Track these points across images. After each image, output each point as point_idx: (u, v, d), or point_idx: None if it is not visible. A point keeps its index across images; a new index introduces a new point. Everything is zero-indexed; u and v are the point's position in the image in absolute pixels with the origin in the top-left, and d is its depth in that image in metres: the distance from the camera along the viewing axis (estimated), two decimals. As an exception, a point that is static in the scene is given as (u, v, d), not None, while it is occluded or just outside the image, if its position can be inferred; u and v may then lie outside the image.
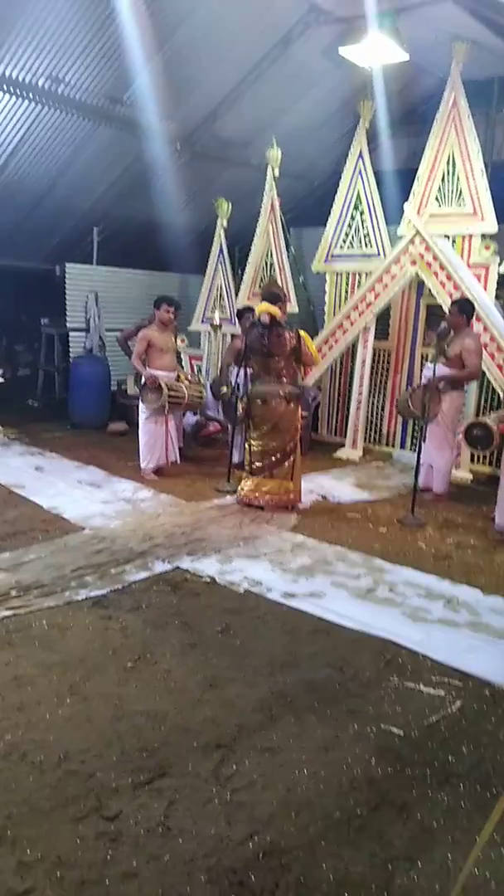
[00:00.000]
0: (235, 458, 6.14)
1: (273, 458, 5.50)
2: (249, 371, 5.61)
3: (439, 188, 6.95)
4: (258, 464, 5.53)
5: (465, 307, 5.90)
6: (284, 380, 5.50)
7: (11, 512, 5.10)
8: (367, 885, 2.02)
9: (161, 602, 3.77)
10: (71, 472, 6.29)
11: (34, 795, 2.29)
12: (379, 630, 3.54)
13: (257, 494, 5.49)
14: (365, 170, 7.75)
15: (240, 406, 5.77)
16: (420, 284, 7.35)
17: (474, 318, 6.11)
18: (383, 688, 3.06)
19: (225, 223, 8.43)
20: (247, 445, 5.62)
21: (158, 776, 2.42)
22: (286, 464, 5.49)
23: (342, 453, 7.62)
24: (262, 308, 5.38)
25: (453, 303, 6.05)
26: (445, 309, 6.31)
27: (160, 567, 4.20)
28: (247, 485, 5.55)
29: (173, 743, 2.60)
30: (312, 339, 7.81)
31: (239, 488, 5.62)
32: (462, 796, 2.41)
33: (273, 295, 5.57)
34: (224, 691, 2.96)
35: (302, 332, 5.55)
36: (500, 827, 2.25)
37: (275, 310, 5.36)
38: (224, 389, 6.39)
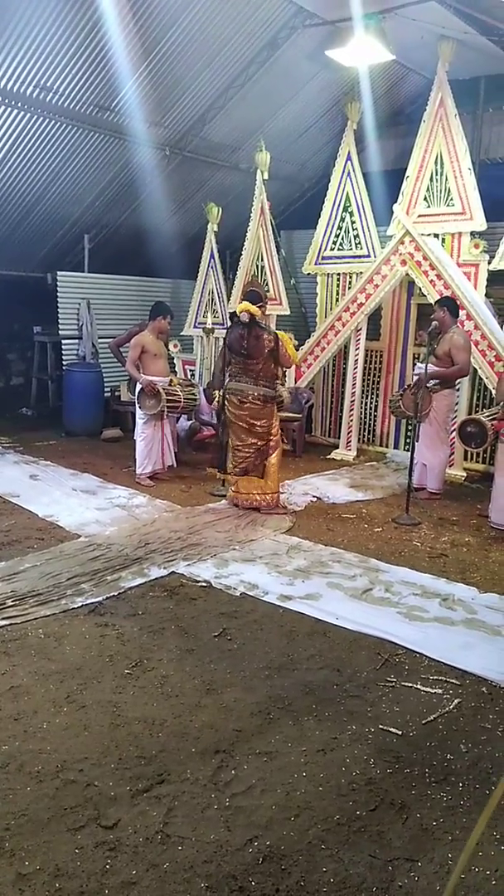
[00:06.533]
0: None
1: (249, 458, 5.49)
2: (229, 370, 5.55)
3: (428, 188, 6.97)
4: (236, 462, 5.54)
5: (446, 304, 5.93)
6: (261, 382, 5.44)
7: (6, 521, 5.09)
8: (368, 887, 2.02)
9: (157, 608, 3.77)
10: (66, 479, 6.28)
11: (32, 806, 2.28)
12: (376, 630, 3.55)
13: (244, 495, 5.50)
14: (354, 171, 7.77)
15: (216, 398, 5.74)
16: (410, 284, 7.37)
17: (465, 315, 6.13)
18: (381, 688, 3.06)
19: (215, 227, 8.44)
20: (230, 444, 5.62)
21: (157, 783, 2.41)
22: (262, 464, 5.47)
23: (336, 454, 7.62)
24: (242, 307, 5.30)
25: (436, 302, 6.09)
26: (435, 308, 6.34)
27: (156, 572, 4.20)
28: (233, 486, 5.56)
29: (171, 749, 2.60)
30: (304, 341, 7.89)
31: (229, 489, 5.64)
32: (461, 794, 2.41)
33: (254, 294, 5.48)
34: (222, 696, 2.96)
35: (280, 334, 5.48)
36: (495, 823, 2.25)
37: (255, 309, 5.27)
38: (215, 394, 6.38)
